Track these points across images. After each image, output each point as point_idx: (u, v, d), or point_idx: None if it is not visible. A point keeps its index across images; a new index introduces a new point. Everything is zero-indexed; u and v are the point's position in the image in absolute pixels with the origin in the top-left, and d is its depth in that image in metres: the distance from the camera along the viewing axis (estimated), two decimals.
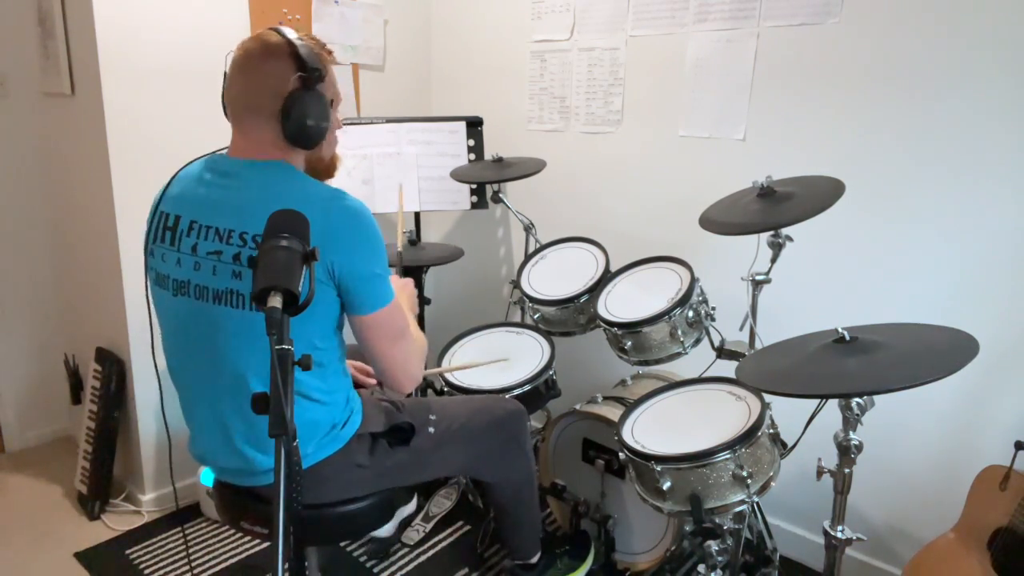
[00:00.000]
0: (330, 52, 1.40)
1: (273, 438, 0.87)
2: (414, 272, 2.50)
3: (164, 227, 1.37)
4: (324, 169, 1.46)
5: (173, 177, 1.41)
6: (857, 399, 1.33)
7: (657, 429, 1.69)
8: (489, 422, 1.72)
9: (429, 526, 2.36)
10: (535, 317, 2.26)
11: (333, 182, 1.42)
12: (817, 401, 1.69)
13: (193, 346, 1.37)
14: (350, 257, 1.30)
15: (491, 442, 1.73)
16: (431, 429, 1.59)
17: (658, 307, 1.89)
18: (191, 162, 1.42)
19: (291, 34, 1.32)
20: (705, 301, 1.95)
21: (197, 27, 2.27)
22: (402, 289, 1.67)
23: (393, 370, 1.42)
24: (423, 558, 2.23)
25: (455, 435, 1.64)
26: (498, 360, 2.13)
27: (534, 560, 1.97)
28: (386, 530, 2.23)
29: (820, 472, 1.43)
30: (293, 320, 1.26)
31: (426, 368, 2.57)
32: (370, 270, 1.33)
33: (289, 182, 1.34)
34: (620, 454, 1.70)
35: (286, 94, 1.29)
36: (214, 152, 1.40)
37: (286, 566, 0.82)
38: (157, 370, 1.44)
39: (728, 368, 1.70)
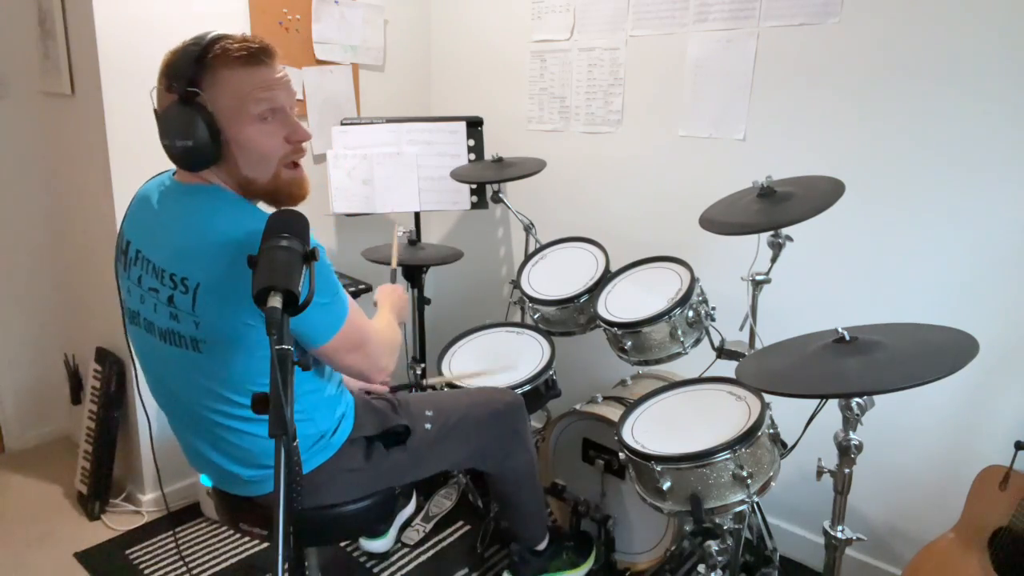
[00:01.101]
0: (250, 52, 1.21)
1: (273, 438, 0.87)
2: (414, 272, 2.50)
3: (120, 250, 1.33)
4: (264, 193, 1.27)
5: (137, 193, 1.36)
6: (857, 399, 1.33)
7: (657, 429, 1.69)
8: (487, 415, 1.71)
9: (429, 526, 2.36)
10: (535, 317, 2.26)
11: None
12: (817, 401, 1.69)
13: (154, 373, 1.36)
14: None
15: (490, 435, 1.72)
16: (428, 426, 1.58)
17: (658, 307, 1.89)
18: (153, 177, 1.36)
19: (196, 40, 1.21)
20: (705, 301, 1.95)
21: (197, 27, 2.23)
22: (388, 296, 1.65)
23: (361, 373, 1.41)
24: (423, 558, 2.23)
25: (452, 430, 1.63)
26: (505, 367, 2.08)
27: (541, 547, 1.97)
28: (383, 545, 2.23)
29: (820, 472, 1.43)
30: (244, 364, 1.21)
31: (427, 376, 2.57)
32: (313, 303, 1.22)
33: (217, 215, 1.21)
34: (620, 454, 1.70)
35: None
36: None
37: (286, 566, 0.82)
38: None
39: (728, 368, 1.70)
